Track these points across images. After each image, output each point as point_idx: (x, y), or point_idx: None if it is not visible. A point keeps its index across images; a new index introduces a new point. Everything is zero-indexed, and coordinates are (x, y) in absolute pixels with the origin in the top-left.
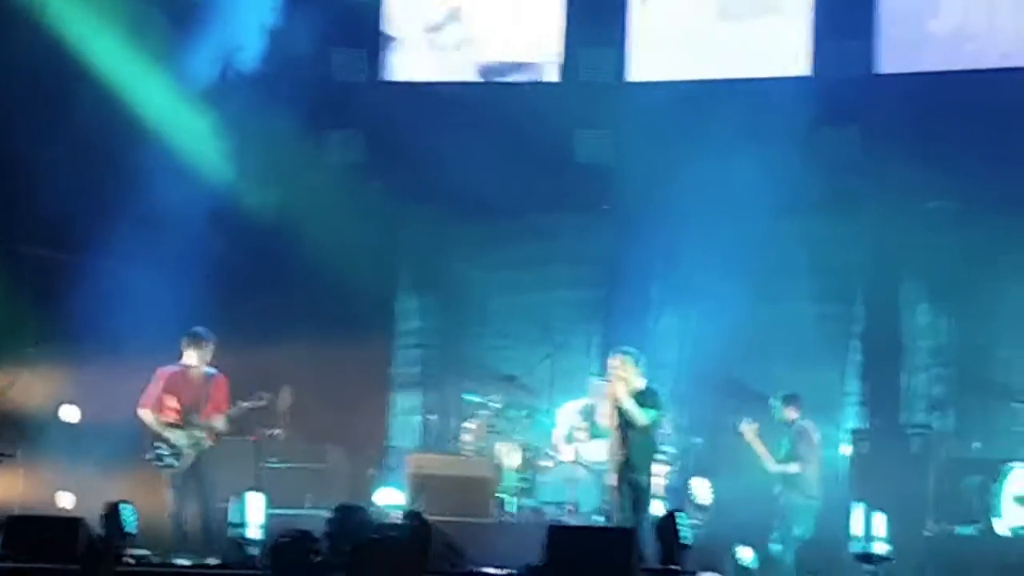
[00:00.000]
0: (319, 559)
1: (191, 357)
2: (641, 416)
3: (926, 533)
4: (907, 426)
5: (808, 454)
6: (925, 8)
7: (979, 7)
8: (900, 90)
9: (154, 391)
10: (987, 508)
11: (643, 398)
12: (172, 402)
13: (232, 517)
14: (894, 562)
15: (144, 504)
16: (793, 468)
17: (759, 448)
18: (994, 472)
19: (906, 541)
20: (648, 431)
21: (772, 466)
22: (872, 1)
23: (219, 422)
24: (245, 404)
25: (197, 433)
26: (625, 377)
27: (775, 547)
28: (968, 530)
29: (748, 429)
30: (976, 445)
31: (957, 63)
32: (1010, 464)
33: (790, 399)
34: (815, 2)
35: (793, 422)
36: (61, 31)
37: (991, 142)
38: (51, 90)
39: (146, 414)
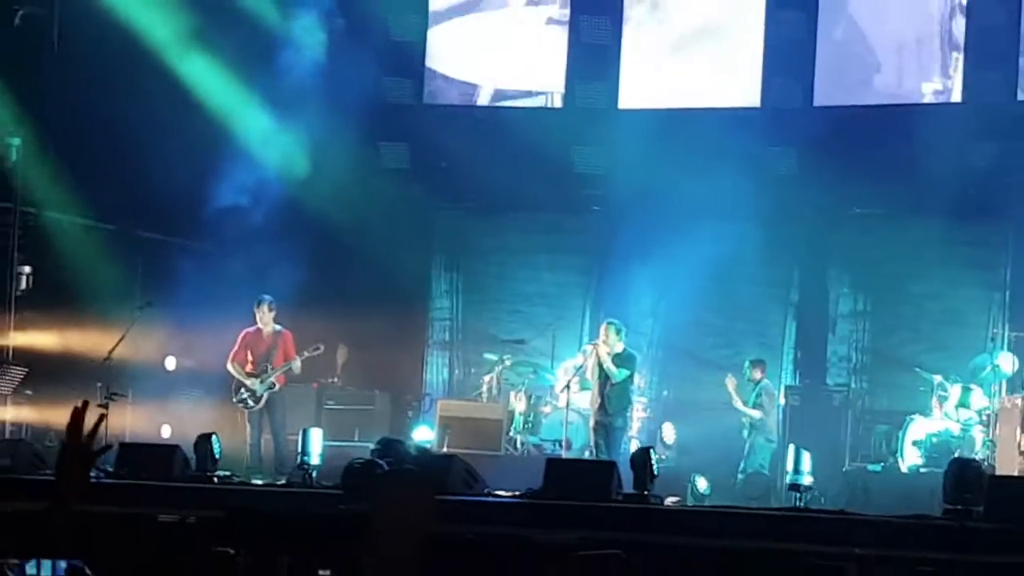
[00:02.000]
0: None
1: (260, 318)
2: (615, 374)
3: (844, 469)
4: (831, 385)
5: (769, 406)
6: (852, 55)
7: (890, 58)
8: (831, 119)
9: (237, 349)
10: (892, 450)
11: (620, 360)
12: (250, 356)
13: (298, 447)
14: (817, 492)
15: (227, 436)
16: (758, 414)
17: (735, 397)
18: (898, 422)
19: (828, 475)
20: (622, 385)
21: (744, 410)
22: (811, 48)
23: (296, 364)
24: (307, 353)
25: (270, 381)
26: (608, 342)
27: (740, 476)
28: (877, 467)
29: (730, 382)
30: (884, 401)
31: (876, 99)
32: (910, 416)
33: (756, 363)
34: (764, 47)
35: (759, 381)
36: (175, 58)
37: (902, 161)
38: (162, 103)
39: (232, 367)
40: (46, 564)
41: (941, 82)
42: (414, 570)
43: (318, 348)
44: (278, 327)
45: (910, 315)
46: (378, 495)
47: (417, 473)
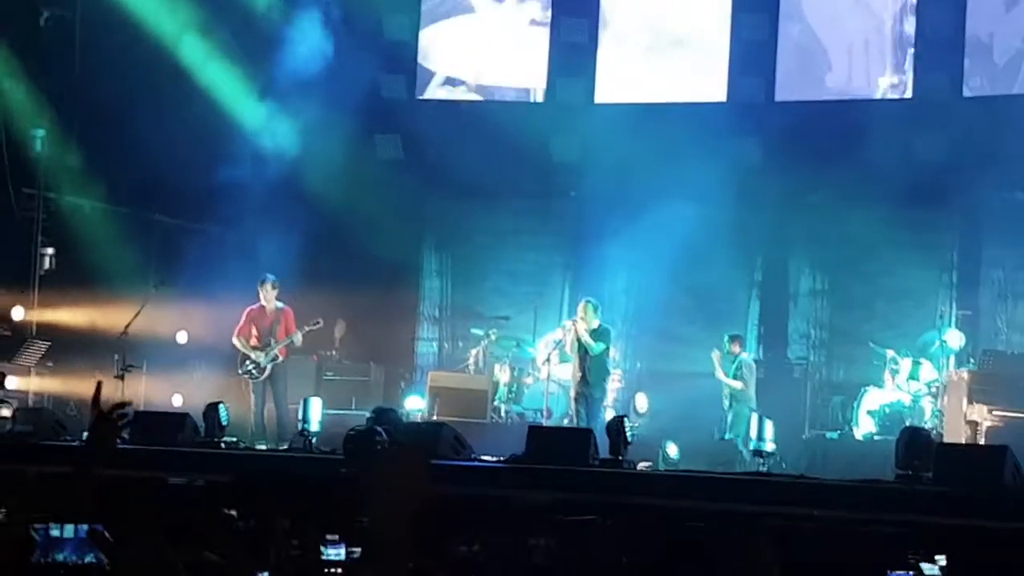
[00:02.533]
0: (381, 446)
1: (263, 296)
2: (593, 347)
3: (803, 437)
4: (791, 359)
5: (749, 378)
6: (811, 55)
7: (845, 57)
8: (792, 113)
9: (242, 324)
10: (848, 419)
11: (597, 334)
12: (254, 331)
13: (299, 415)
14: (779, 457)
15: (233, 405)
16: (739, 385)
17: (718, 369)
18: (853, 393)
19: (789, 442)
20: (600, 358)
21: (726, 382)
22: (773, 48)
23: (297, 337)
24: (307, 327)
25: (273, 353)
26: (585, 318)
27: (730, 436)
28: (834, 435)
29: (715, 355)
30: (840, 373)
31: (833, 95)
32: (865, 388)
33: (735, 338)
34: (730, 48)
35: (737, 354)
36: (185, 55)
37: (857, 152)
38: (174, 97)
39: (238, 341)
40: (68, 527)
41: (893, 79)
42: (408, 531)
43: (318, 322)
44: (280, 304)
45: (865, 294)
46: (377, 462)
47: (414, 443)
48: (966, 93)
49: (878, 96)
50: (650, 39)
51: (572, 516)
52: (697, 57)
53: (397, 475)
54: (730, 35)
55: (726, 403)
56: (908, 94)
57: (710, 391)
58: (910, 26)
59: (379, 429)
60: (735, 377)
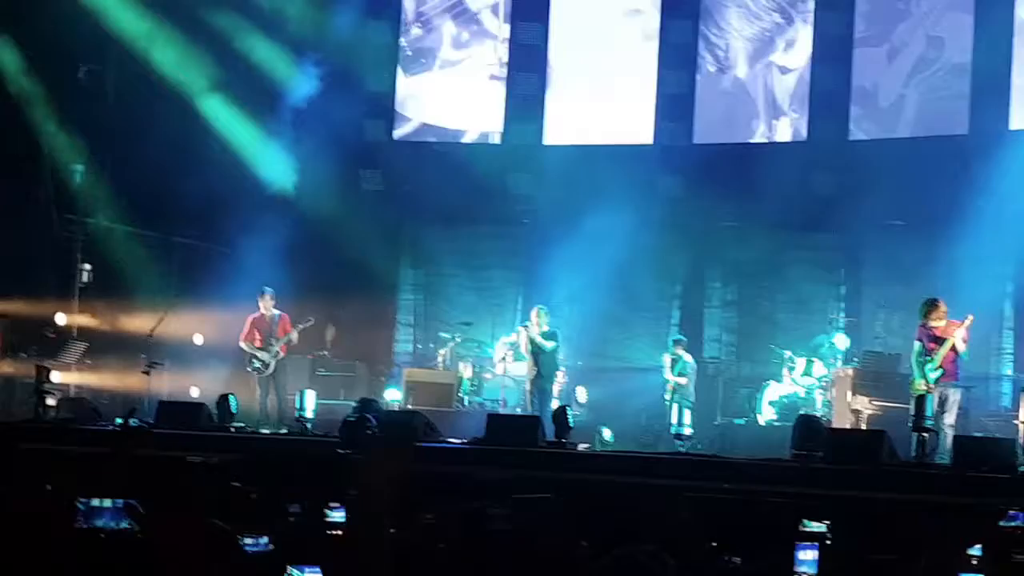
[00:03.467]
0: (371, 432)
1: (263, 305)
2: (546, 346)
3: (716, 423)
4: (706, 358)
5: (691, 375)
6: (723, 104)
7: (752, 106)
8: (707, 153)
9: (247, 330)
10: (752, 408)
11: (547, 336)
12: (257, 334)
13: (296, 405)
14: (695, 440)
15: (241, 396)
16: (684, 381)
17: (667, 368)
18: (757, 386)
19: (703, 427)
20: (552, 354)
21: (673, 379)
22: (691, 99)
23: (294, 335)
24: (301, 325)
25: (275, 351)
26: (537, 322)
27: (680, 429)
28: (741, 421)
29: (666, 358)
30: (746, 370)
31: (742, 138)
32: (766, 382)
33: (679, 341)
34: (656, 98)
35: (680, 355)
36: (199, 102)
37: (761, 186)
38: (191, 138)
39: (244, 344)
40: (106, 501)
41: (792, 125)
42: (390, 504)
43: (309, 320)
44: (277, 311)
45: (767, 304)
46: (369, 447)
47: (399, 431)
48: (851, 137)
49: (779, 139)
50: (589, 92)
51: (526, 494)
52: (628, 107)
53: (384, 458)
54: (656, 88)
55: (668, 396)
56: (802, 136)
57: (638, 384)
58: (806, 80)
59: (370, 417)
60: (679, 375)
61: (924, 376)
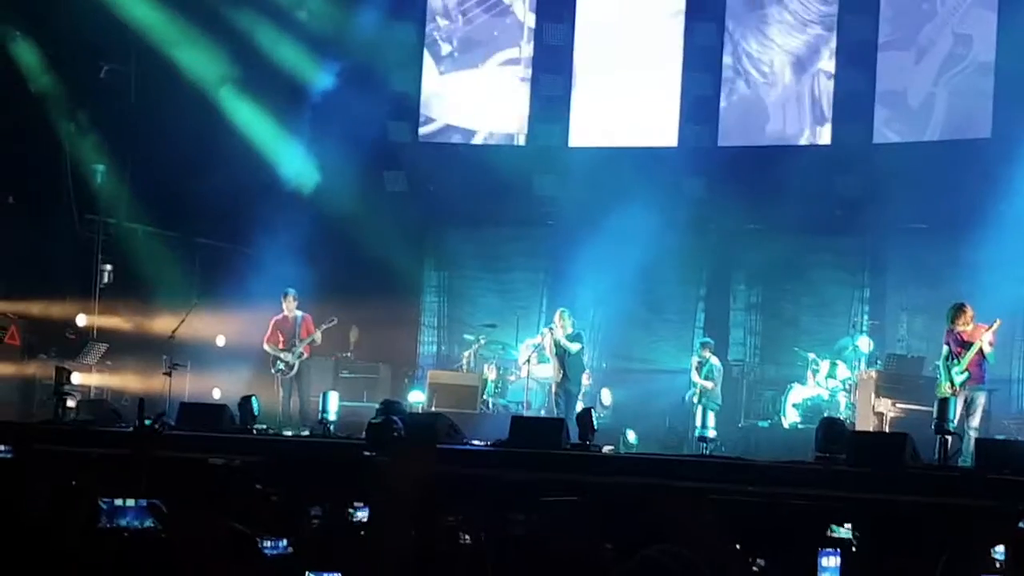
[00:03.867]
0: (397, 434)
1: (286, 306)
2: (571, 346)
3: (739, 425)
4: (731, 360)
5: (718, 378)
6: (748, 106)
7: (777, 109)
8: (732, 156)
9: (270, 332)
10: (776, 411)
11: (572, 338)
12: (280, 336)
13: (319, 407)
14: (719, 442)
15: (263, 397)
16: (711, 385)
17: (694, 371)
18: (781, 389)
19: (727, 430)
20: (577, 356)
21: (700, 382)
22: (716, 102)
23: (317, 336)
24: (324, 325)
25: (298, 352)
26: (562, 324)
27: (704, 432)
28: (765, 424)
29: (694, 360)
30: (770, 372)
31: (766, 141)
32: (791, 384)
33: (706, 344)
34: (680, 100)
35: (708, 359)
36: (222, 101)
37: (786, 189)
38: (214, 137)
39: (268, 346)
40: (130, 501)
41: (816, 128)
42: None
43: (332, 320)
44: (299, 312)
45: (791, 307)
46: (393, 449)
47: (424, 434)
48: (880, 139)
49: (803, 142)
50: (614, 93)
51: (553, 496)
52: (653, 109)
53: (409, 460)
54: (680, 91)
55: (695, 399)
56: (828, 140)
57: (663, 386)
58: (830, 83)
59: (395, 419)
60: (706, 378)
61: (950, 379)
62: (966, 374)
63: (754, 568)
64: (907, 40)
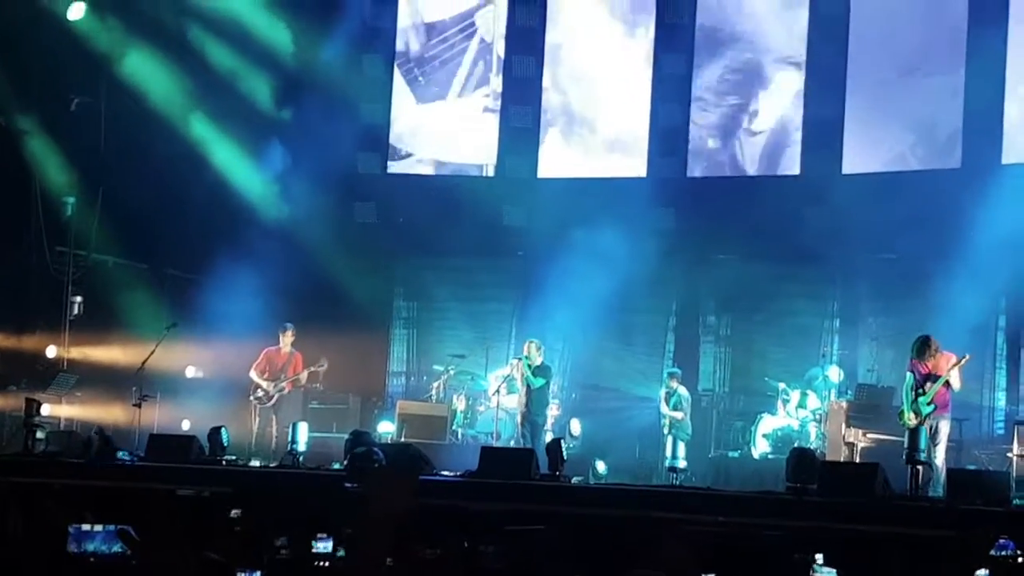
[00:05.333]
0: (378, 464)
1: (283, 340)
2: (535, 382)
3: (710, 455)
4: (700, 390)
5: (686, 408)
6: (716, 137)
7: (745, 138)
8: (700, 187)
9: (260, 361)
10: (746, 441)
11: (540, 371)
12: (268, 367)
13: (289, 437)
14: (689, 473)
15: (233, 428)
16: (680, 415)
17: (663, 402)
18: (751, 419)
19: (697, 460)
20: (541, 390)
21: (669, 413)
22: (685, 133)
23: (303, 375)
24: (312, 368)
25: (281, 386)
26: (530, 356)
27: (675, 462)
28: (735, 454)
29: (663, 392)
30: (740, 403)
31: (735, 172)
32: (760, 414)
33: (673, 374)
34: (649, 132)
35: (675, 389)
36: (192, 134)
37: (754, 219)
38: (183, 172)
39: (254, 373)
40: (97, 526)
41: (785, 159)
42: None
43: (323, 365)
44: (293, 350)
45: (761, 337)
46: (374, 480)
47: (404, 465)
48: (844, 171)
49: (771, 173)
50: (583, 124)
51: (520, 526)
52: (622, 140)
53: (392, 490)
54: (649, 122)
55: (665, 431)
56: (795, 171)
57: (632, 417)
58: (799, 114)
59: (376, 451)
60: (675, 408)
61: (915, 409)
62: (932, 406)
63: None
64: (878, 70)
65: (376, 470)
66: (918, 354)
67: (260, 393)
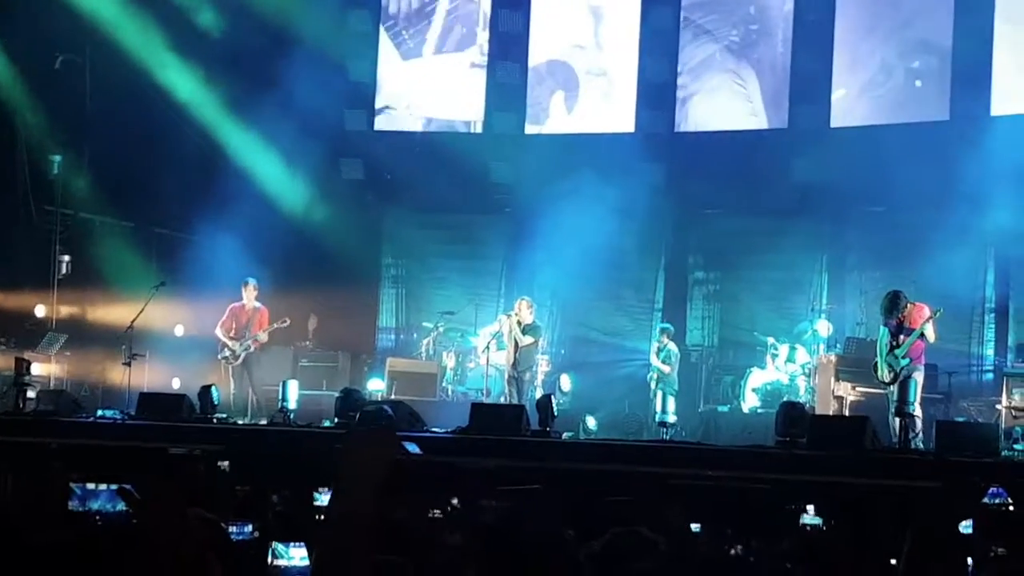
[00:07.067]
0: (386, 422)
1: (245, 295)
2: (525, 339)
3: (699, 410)
4: (689, 345)
5: (674, 363)
6: (703, 93)
7: (732, 94)
8: (690, 142)
9: (225, 318)
10: (736, 395)
11: (529, 329)
12: (233, 324)
13: (279, 395)
14: (679, 427)
15: (224, 387)
16: (668, 369)
17: (653, 355)
18: (740, 373)
19: (687, 415)
20: (529, 348)
21: (659, 366)
22: (673, 88)
23: (263, 335)
24: (275, 324)
25: (247, 344)
26: (520, 313)
27: (664, 417)
28: (724, 408)
29: (654, 344)
30: (729, 357)
31: (722, 126)
32: (750, 369)
33: (665, 330)
34: (637, 87)
35: (666, 344)
36: (177, 91)
37: (742, 173)
38: (170, 128)
39: (219, 331)
40: (102, 485)
41: (774, 112)
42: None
43: (285, 321)
44: (258, 304)
45: (749, 291)
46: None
47: (385, 424)
48: (832, 124)
49: (760, 127)
50: (570, 80)
51: (515, 486)
52: (609, 95)
53: (369, 449)
54: (636, 77)
55: (652, 385)
56: (783, 124)
57: (621, 373)
58: (787, 67)
59: (385, 407)
60: (664, 361)
61: (889, 363)
62: (908, 359)
63: (715, 552)
64: (865, 23)
65: (350, 432)
66: (889, 312)
67: (227, 352)
